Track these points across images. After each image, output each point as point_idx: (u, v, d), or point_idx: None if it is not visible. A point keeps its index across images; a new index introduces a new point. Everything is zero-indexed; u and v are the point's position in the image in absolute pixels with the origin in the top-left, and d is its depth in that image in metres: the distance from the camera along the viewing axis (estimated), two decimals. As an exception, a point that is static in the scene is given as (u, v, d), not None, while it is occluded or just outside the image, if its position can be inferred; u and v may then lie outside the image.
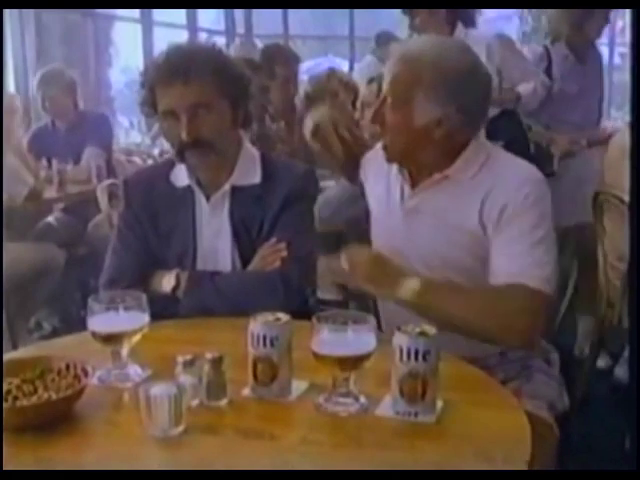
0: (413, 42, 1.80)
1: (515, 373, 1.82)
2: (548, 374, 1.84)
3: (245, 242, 1.95)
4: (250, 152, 2.01)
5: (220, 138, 1.90)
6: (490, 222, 1.73)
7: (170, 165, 2.02)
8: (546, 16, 5.33)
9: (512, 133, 3.58)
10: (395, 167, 1.89)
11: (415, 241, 1.83)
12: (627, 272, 2.56)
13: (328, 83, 3.95)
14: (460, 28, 3.60)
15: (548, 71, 3.84)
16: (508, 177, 1.75)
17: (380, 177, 1.95)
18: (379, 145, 1.92)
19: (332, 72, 4.20)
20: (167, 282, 1.91)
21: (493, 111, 3.51)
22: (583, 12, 3.81)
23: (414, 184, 1.84)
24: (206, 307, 1.84)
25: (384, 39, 6.60)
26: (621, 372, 3.12)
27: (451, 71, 1.71)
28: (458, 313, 1.62)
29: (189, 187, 1.97)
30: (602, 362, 3.19)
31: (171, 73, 1.82)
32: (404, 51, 1.77)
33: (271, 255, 1.90)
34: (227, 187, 1.95)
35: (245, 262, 1.94)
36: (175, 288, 1.90)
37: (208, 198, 1.97)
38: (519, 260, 1.66)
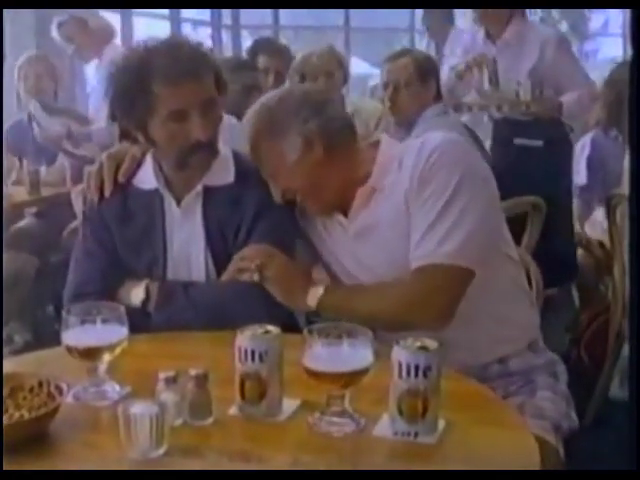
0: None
1: (517, 388, 1.83)
2: (554, 390, 1.84)
3: (220, 248, 1.93)
4: (222, 150, 1.99)
5: (218, 136, 1.92)
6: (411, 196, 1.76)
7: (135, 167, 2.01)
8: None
9: (551, 133, 3.60)
10: None
11: (366, 262, 1.85)
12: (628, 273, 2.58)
13: (325, 61, 3.87)
14: (517, 21, 3.67)
15: None
16: (424, 148, 1.77)
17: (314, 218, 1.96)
18: None
19: (331, 49, 4.16)
20: (135, 295, 1.90)
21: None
22: None
23: (345, 211, 1.88)
24: (180, 321, 1.82)
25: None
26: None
27: (291, 101, 1.85)
28: (368, 310, 1.73)
29: (156, 190, 1.96)
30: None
31: (179, 71, 1.80)
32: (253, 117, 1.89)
33: None
34: (199, 188, 1.93)
35: (220, 270, 1.92)
36: (145, 301, 1.89)
37: (178, 201, 1.95)
38: (426, 238, 1.71)
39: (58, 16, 4.77)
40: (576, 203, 3.78)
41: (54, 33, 4.78)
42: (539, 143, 3.55)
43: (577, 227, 3.70)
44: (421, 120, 3.25)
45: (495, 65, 3.73)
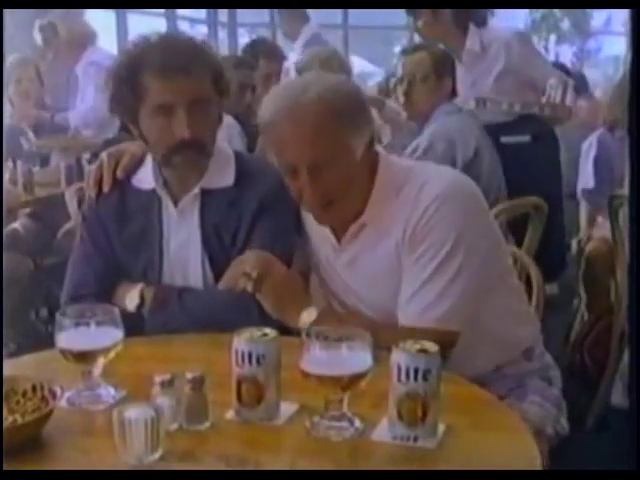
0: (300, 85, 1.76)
1: (507, 390, 1.82)
2: (544, 395, 1.84)
3: (217, 252, 1.93)
4: (224, 152, 2.00)
5: (212, 138, 1.92)
6: (404, 249, 1.73)
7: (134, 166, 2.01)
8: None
9: (537, 129, 3.62)
10: None
11: (357, 293, 1.85)
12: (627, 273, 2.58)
13: (326, 63, 3.86)
14: (473, 29, 3.66)
15: None
16: (424, 194, 1.72)
17: (313, 229, 1.92)
18: None
19: (334, 52, 4.14)
20: (130, 300, 1.90)
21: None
22: None
23: (339, 238, 1.85)
24: (174, 327, 1.82)
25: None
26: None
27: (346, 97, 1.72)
28: None
29: (154, 191, 1.96)
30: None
31: (171, 65, 1.81)
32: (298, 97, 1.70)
33: None
34: (197, 190, 1.93)
35: (217, 274, 1.91)
36: (140, 306, 1.89)
37: (176, 203, 1.95)
38: (415, 299, 1.70)
39: (40, 19, 4.80)
40: (584, 206, 3.78)
41: (36, 36, 4.81)
42: (527, 139, 3.57)
43: (583, 227, 3.71)
44: (434, 118, 3.24)
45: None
